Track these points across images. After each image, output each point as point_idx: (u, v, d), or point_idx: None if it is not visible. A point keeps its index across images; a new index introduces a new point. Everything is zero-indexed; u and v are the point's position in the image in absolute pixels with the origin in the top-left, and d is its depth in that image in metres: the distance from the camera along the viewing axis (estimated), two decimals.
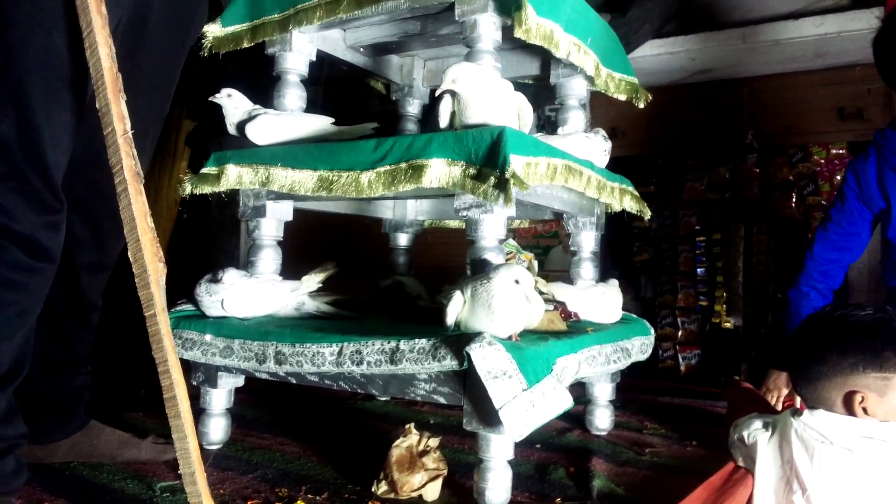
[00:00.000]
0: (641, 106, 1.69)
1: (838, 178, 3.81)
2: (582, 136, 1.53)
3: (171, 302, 1.34)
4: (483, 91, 1.19)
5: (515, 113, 1.23)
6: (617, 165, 4.38)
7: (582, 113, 1.61)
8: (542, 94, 1.87)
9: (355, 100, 2.00)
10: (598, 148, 1.53)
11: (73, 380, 1.29)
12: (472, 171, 1.11)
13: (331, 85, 2.49)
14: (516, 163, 1.09)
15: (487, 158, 1.10)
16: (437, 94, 1.22)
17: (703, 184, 3.93)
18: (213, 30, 1.45)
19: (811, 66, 3.37)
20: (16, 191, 0.97)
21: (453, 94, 1.21)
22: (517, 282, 1.05)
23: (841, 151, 3.71)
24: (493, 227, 1.16)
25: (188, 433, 0.90)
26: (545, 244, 4.28)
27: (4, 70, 0.96)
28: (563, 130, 1.58)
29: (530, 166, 1.15)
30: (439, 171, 1.14)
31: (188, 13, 1.32)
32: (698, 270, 4.03)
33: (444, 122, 1.23)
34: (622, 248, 4.27)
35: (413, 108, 1.81)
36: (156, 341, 0.90)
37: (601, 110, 3.80)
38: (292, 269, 1.50)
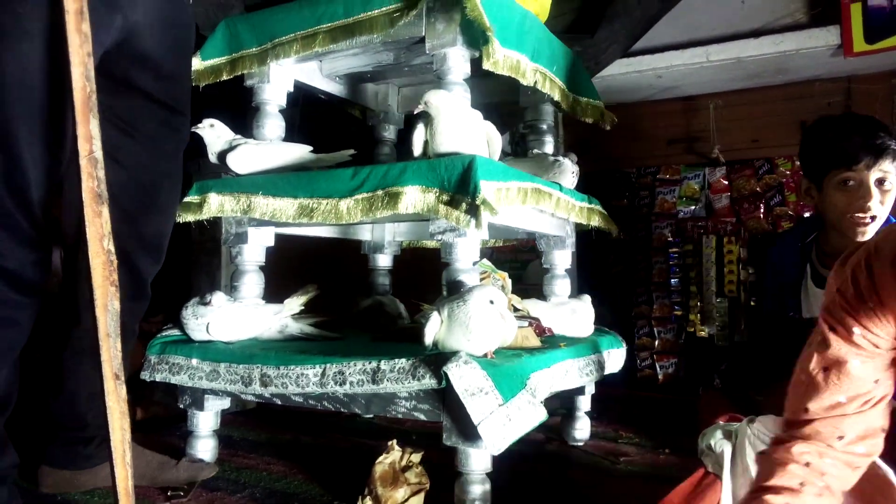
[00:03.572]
0: (608, 128, 1.77)
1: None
2: (550, 158, 1.60)
3: (152, 314, 1.36)
4: (454, 120, 1.25)
5: (485, 140, 1.29)
6: (589, 180, 4.46)
7: (550, 137, 1.68)
8: (516, 112, 1.94)
9: (334, 119, 2.05)
10: (567, 171, 1.59)
11: None
12: (445, 197, 1.17)
13: (309, 107, 2.54)
14: (487, 189, 1.15)
15: (459, 185, 1.16)
16: (415, 112, 1.28)
17: (674, 197, 4.04)
18: (193, 63, 1.50)
19: (773, 81, 3.49)
20: (3, 228, 1.01)
21: (426, 123, 1.28)
22: (491, 302, 1.11)
23: None
24: (467, 249, 1.22)
25: (117, 462, 0.89)
26: (523, 258, 4.35)
27: None
28: (532, 154, 1.65)
29: (500, 191, 1.22)
30: (414, 197, 1.20)
31: (185, 29, 1.35)
32: (672, 281, 4.12)
33: (417, 150, 1.29)
34: (598, 260, 4.35)
35: (389, 133, 1.87)
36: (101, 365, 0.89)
37: (573, 126, 3.88)
38: (275, 291, 1.54)
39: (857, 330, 0.84)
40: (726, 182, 3.85)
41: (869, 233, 1.49)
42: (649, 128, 3.88)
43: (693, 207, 4.11)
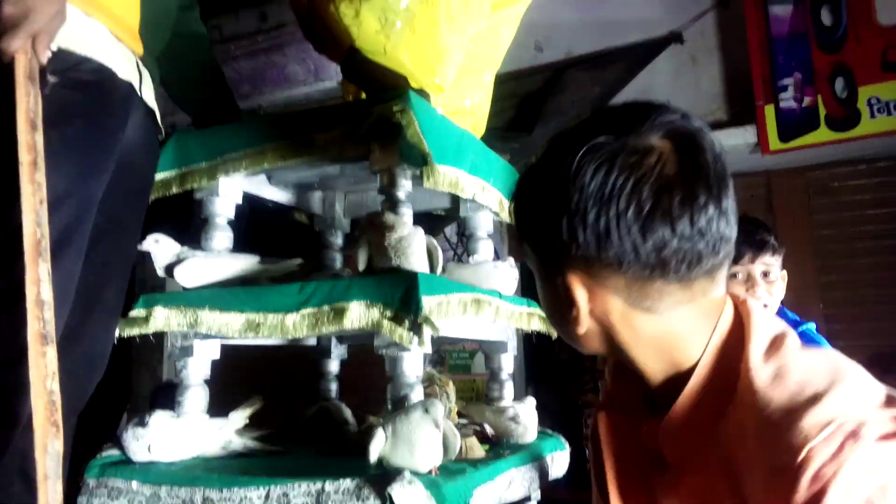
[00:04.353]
0: None
1: None
2: (491, 265, 1.67)
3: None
4: (397, 238, 1.31)
5: (427, 255, 1.35)
6: (532, 274, 4.56)
7: (490, 243, 1.75)
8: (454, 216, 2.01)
9: (282, 221, 2.09)
10: (506, 276, 1.66)
11: None
12: (389, 313, 1.22)
13: (257, 209, 2.58)
14: (428, 304, 1.20)
15: (402, 302, 1.21)
16: (356, 233, 1.33)
17: None
18: None
19: None
20: None
21: (369, 240, 1.33)
22: (434, 418, 1.14)
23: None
24: (411, 364, 1.26)
25: None
26: (471, 348, 4.39)
27: None
28: (473, 260, 1.71)
29: (442, 305, 1.27)
30: (359, 313, 1.24)
31: (155, 158, 1.42)
32: None
33: (362, 266, 1.34)
34: (543, 349, 4.42)
35: (336, 238, 1.92)
36: None
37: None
38: (220, 401, 1.53)
39: None
40: None
41: None
42: None
43: None
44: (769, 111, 3.10)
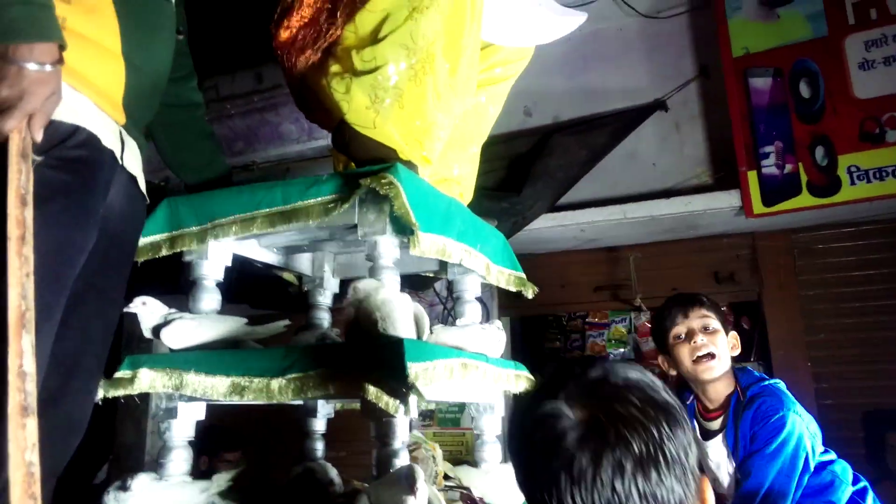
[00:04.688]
0: (530, 296, 1.88)
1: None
2: (478, 327, 1.69)
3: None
4: (383, 304, 1.33)
5: (413, 321, 1.37)
6: (524, 325, 4.57)
7: (477, 305, 1.78)
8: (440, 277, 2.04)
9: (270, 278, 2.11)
10: (493, 338, 1.68)
11: None
12: (375, 380, 1.22)
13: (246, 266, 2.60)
14: (415, 370, 1.21)
15: (388, 368, 1.22)
16: (343, 305, 1.35)
17: (603, 340, 4.21)
18: None
19: (687, 235, 3.78)
20: None
21: (356, 306, 1.35)
22: (417, 487, 1.14)
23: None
24: (397, 430, 1.26)
25: None
26: (460, 401, 4.37)
27: None
28: (461, 322, 1.73)
29: (428, 371, 1.28)
30: (344, 380, 1.25)
31: (138, 224, 1.46)
32: None
33: (348, 331, 1.35)
34: None
35: (325, 298, 1.94)
36: None
37: None
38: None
39: None
40: (650, 325, 4.04)
41: (715, 369, 1.83)
42: (577, 275, 4.09)
43: (622, 350, 4.27)
44: (752, 177, 3.17)
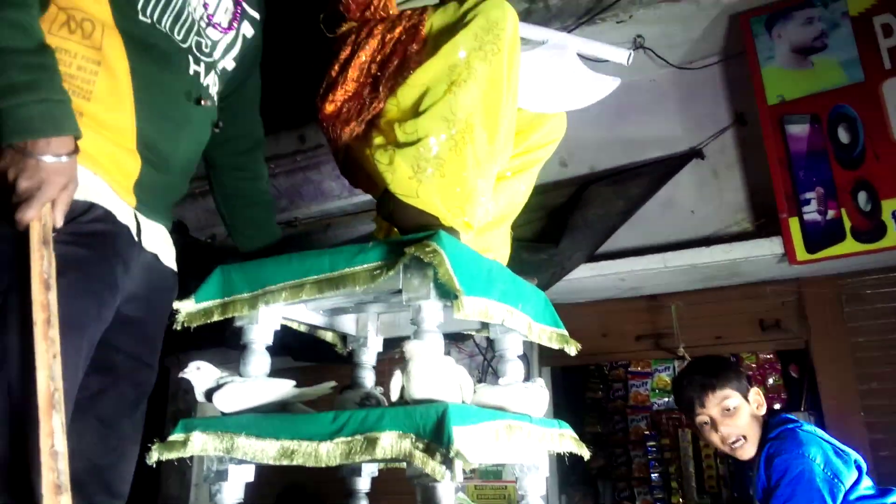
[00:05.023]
0: (573, 353, 1.88)
1: (771, 381, 4.07)
2: (521, 386, 1.70)
3: None
4: (429, 368, 1.36)
5: (458, 385, 1.40)
6: (565, 375, 4.54)
7: (519, 364, 1.79)
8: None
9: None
10: (536, 397, 1.69)
11: None
12: (420, 444, 1.25)
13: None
14: (460, 435, 1.24)
15: (434, 433, 1.24)
16: (389, 376, 1.39)
17: (647, 389, 4.14)
18: (187, 306, 1.62)
19: (729, 282, 3.74)
20: None
21: (403, 369, 1.38)
22: None
23: (769, 356, 4.00)
24: (442, 496, 1.28)
25: None
26: None
27: None
28: (503, 381, 1.75)
29: (472, 434, 1.30)
30: (391, 443, 1.27)
31: (168, 295, 1.52)
32: (652, 476, 4.09)
33: (395, 395, 1.38)
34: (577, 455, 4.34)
35: (369, 357, 1.97)
36: None
37: None
38: None
39: None
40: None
41: (748, 449, 1.91)
42: (618, 324, 4.06)
43: (666, 399, 4.19)
44: (794, 223, 3.14)
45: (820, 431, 1.96)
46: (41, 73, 1.08)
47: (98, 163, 1.25)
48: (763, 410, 1.99)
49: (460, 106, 1.44)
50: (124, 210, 1.32)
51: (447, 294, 1.44)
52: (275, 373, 1.62)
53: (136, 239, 1.35)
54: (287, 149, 3.94)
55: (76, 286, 1.17)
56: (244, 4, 1.52)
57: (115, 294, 1.28)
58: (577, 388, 4.31)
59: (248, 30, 1.54)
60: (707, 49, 3.69)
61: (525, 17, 3.50)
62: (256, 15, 1.58)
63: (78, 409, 1.21)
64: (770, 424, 1.99)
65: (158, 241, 1.45)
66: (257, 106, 1.74)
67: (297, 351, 3.47)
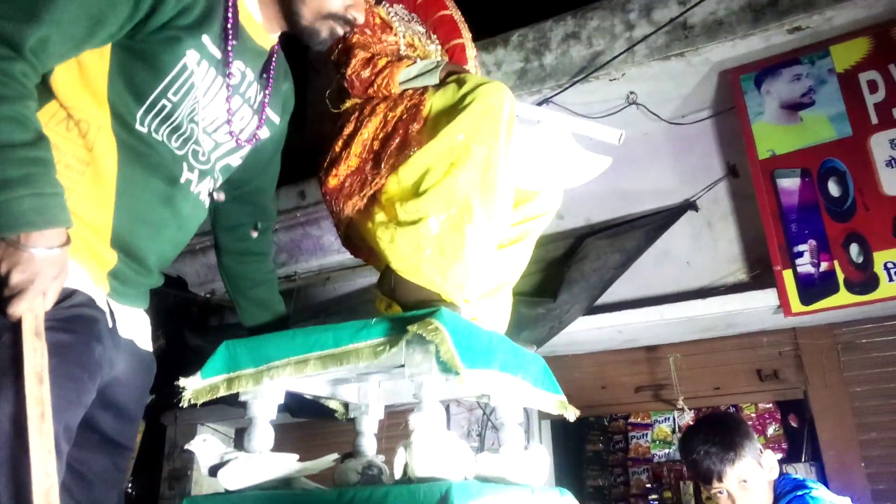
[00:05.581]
0: (572, 419, 1.90)
1: (771, 431, 4.07)
2: (522, 455, 1.71)
3: None
4: (431, 445, 1.38)
5: (460, 459, 1.41)
6: (560, 426, 4.52)
7: (520, 431, 1.81)
8: None
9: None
10: (538, 465, 1.70)
11: None
12: None
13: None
14: None
15: None
16: (393, 453, 1.41)
17: (647, 441, 4.13)
18: (192, 382, 1.64)
19: (726, 333, 3.77)
20: None
21: (406, 446, 1.40)
22: None
23: (769, 405, 4.01)
24: None
25: None
26: None
27: None
28: (503, 450, 1.76)
29: None
30: None
31: (146, 378, 1.52)
32: None
33: (398, 473, 1.40)
34: None
35: (370, 426, 1.98)
36: None
37: None
38: None
39: None
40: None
41: None
42: (617, 375, 4.07)
43: (668, 451, 4.18)
44: (787, 275, 3.19)
45: (828, 495, 1.94)
46: (36, 167, 1.10)
47: (75, 249, 1.23)
48: (776, 473, 1.96)
49: (459, 187, 1.49)
50: (99, 296, 1.31)
51: (449, 369, 1.47)
52: (274, 428, 1.63)
53: (109, 325, 1.33)
54: (288, 205, 4.00)
55: (57, 371, 1.16)
56: (268, 111, 1.53)
57: (94, 378, 1.27)
58: (577, 440, 4.29)
59: (263, 133, 1.55)
60: (698, 103, 3.79)
61: (521, 76, 3.60)
62: (276, 118, 1.59)
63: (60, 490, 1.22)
64: (779, 487, 1.96)
65: (134, 326, 1.44)
66: (272, 193, 1.76)
67: (296, 408, 3.47)
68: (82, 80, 1.25)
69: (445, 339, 1.37)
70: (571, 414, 1.93)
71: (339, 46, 1.87)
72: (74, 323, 1.22)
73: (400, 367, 1.55)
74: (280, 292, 1.89)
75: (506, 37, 3.73)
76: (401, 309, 1.59)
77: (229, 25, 1.36)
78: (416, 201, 1.51)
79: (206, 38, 1.31)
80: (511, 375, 1.68)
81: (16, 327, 1.10)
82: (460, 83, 1.60)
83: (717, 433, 1.99)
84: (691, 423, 3.95)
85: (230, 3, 1.37)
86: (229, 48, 1.36)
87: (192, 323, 4.31)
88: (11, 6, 1.09)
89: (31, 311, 1.11)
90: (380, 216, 1.60)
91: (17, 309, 1.09)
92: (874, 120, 3.14)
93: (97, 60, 1.25)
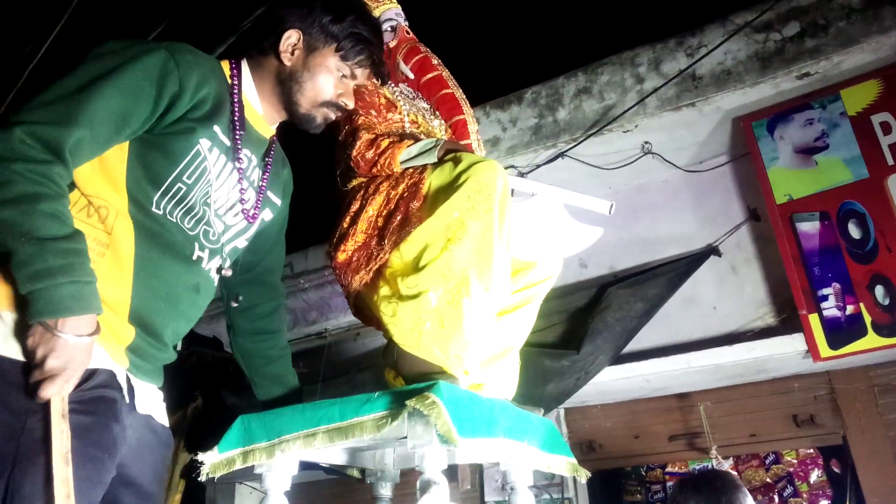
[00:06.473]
0: (583, 481, 1.92)
1: (814, 477, 3.94)
2: None
3: None
4: None
5: None
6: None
7: (530, 494, 1.83)
8: None
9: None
10: None
11: None
12: None
13: None
14: None
15: None
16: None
17: None
18: (211, 457, 1.71)
19: (757, 378, 3.70)
20: None
21: None
22: None
23: (810, 451, 3.90)
24: None
25: None
26: None
27: None
28: None
29: None
30: None
31: (164, 452, 1.58)
32: None
33: None
34: None
35: (386, 490, 2.03)
36: None
37: (576, 424, 4.05)
38: None
39: None
40: (735, 473, 3.87)
41: None
42: (649, 424, 4.02)
43: None
44: (814, 320, 3.15)
45: None
46: (74, 258, 1.20)
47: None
48: None
49: (456, 262, 1.56)
50: (120, 371, 1.38)
51: (447, 442, 1.51)
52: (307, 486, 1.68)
53: (126, 401, 1.39)
54: (316, 264, 4.12)
55: (78, 453, 1.21)
56: (268, 193, 1.63)
57: (113, 457, 1.33)
58: (615, 490, 4.22)
59: (267, 215, 1.65)
60: (714, 150, 3.81)
61: (535, 132, 3.69)
62: (278, 201, 1.69)
63: None
64: None
65: (151, 402, 1.51)
66: (280, 273, 1.85)
67: (327, 466, 3.52)
68: (102, 171, 1.37)
69: (442, 413, 1.42)
70: (583, 477, 1.94)
71: (346, 128, 1.99)
72: (95, 404, 1.29)
73: (404, 438, 1.60)
74: (312, 349, 1.97)
75: (519, 94, 3.84)
76: (403, 381, 1.65)
77: (236, 118, 1.49)
78: (416, 276, 1.58)
79: (216, 129, 1.44)
80: (517, 441, 1.71)
81: (45, 409, 1.18)
82: (456, 162, 1.68)
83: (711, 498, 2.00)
84: (731, 470, 3.86)
85: (236, 99, 1.50)
86: (237, 137, 1.49)
87: (228, 382, 4.42)
88: (51, 112, 1.22)
89: (59, 394, 1.19)
90: (384, 290, 1.67)
91: (49, 393, 1.17)
92: (890, 161, 3.12)
93: (117, 152, 1.37)
